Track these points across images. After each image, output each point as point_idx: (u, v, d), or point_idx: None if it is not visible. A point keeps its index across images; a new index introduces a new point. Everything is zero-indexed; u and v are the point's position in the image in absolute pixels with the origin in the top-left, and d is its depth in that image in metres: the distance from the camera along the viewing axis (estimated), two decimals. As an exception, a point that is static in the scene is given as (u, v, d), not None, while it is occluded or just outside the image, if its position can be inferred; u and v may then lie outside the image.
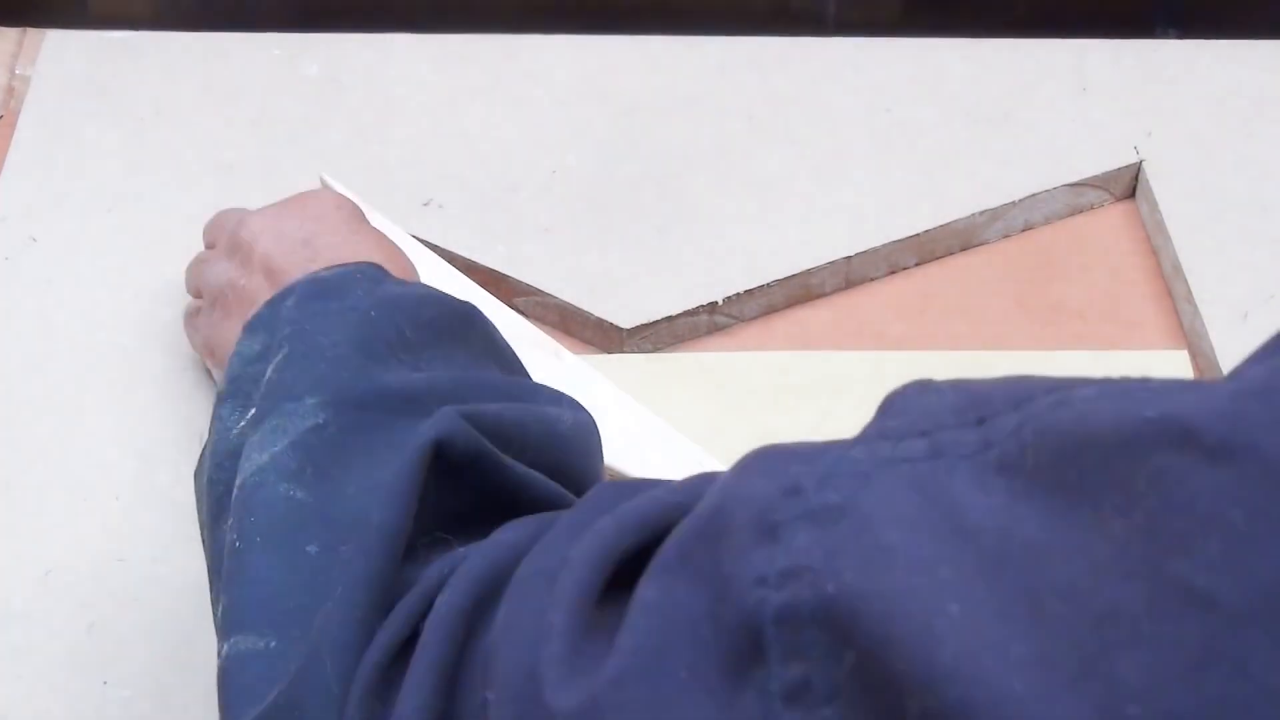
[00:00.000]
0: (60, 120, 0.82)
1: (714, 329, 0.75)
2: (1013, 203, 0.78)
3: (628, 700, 0.35)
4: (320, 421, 0.51)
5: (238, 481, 0.51)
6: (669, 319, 0.74)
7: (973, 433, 0.34)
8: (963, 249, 0.79)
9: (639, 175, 0.79)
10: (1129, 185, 0.81)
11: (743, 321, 0.76)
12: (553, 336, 0.72)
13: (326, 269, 0.58)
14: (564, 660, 0.37)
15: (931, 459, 0.34)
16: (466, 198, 0.78)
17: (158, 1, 0.92)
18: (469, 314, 0.58)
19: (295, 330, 0.54)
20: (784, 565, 0.34)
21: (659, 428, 0.68)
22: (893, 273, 0.78)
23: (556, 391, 0.56)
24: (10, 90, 0.84)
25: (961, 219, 0.78)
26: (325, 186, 0.76)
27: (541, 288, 0.74)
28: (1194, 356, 0.73)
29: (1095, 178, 0.80)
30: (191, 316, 0.69)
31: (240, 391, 0.55)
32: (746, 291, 0.75)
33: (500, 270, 0.75)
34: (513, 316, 0.72)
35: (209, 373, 0.71)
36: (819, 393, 0.70)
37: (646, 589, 0.37)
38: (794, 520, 0.34)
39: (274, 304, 0.57)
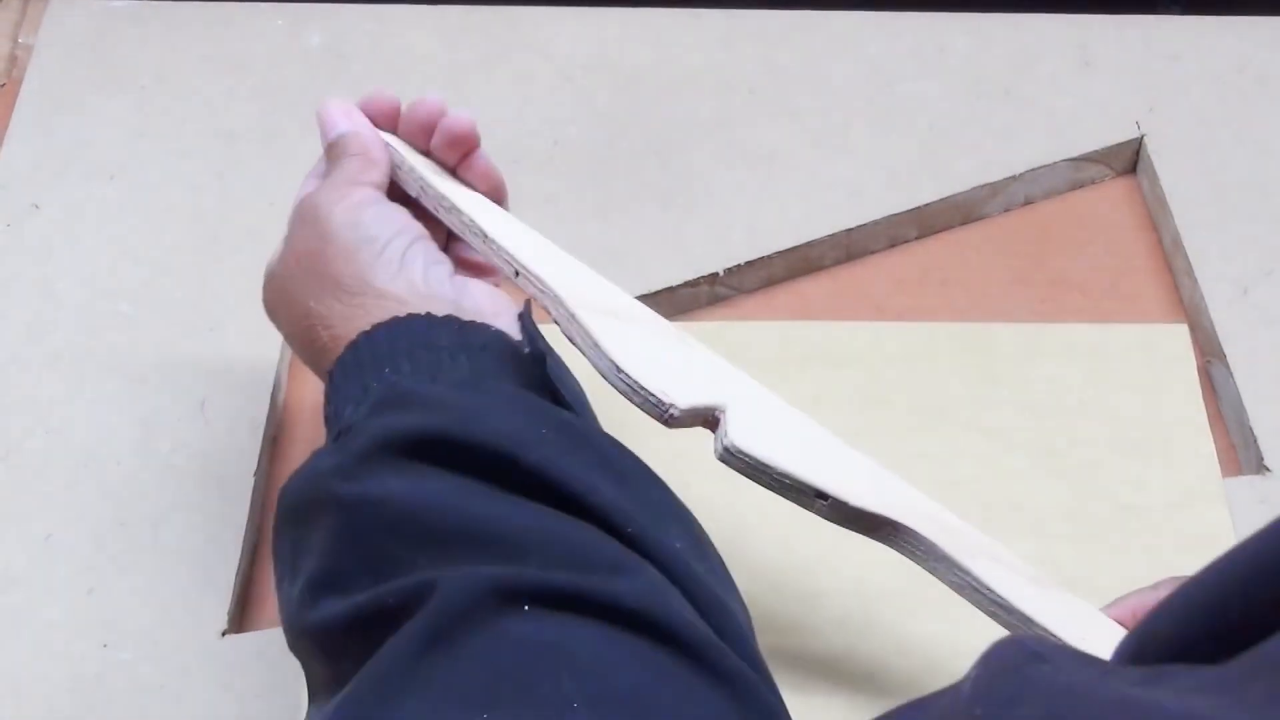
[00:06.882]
0: (63, 89, 0.82)
1: (715, 300, 0.75)
2: (1014, 177, 0.78)
3: None
4: None
5: None
6: (670, 289, 0.74)
7: None
8: (963, 222, 0.79)
9: (641, 147, 0.80)
10: (1130, 160, 0.81)
11: (743, 293, 0.76)
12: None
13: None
14: None
15: None
16: (468, 168, 0.78)
17: (161, -28, 0.92)
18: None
19: None
20: None
21: (677, 334, 0.60)
22: (893, 245, 0.78)
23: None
24: (13, 59, 0.84)
25: (962, 193, 0.78)
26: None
27: (542, 258, 0.74)
28: (1193, 330, 0.73)
29: (1096, 152, 0.80)
30: None
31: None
32: (747, 263, 0.75)
33: (501, 240, 0.75)
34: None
35: (209, 340, 0.71)
36: (819, 363, 0.70)
37: None
38: None
39: None
